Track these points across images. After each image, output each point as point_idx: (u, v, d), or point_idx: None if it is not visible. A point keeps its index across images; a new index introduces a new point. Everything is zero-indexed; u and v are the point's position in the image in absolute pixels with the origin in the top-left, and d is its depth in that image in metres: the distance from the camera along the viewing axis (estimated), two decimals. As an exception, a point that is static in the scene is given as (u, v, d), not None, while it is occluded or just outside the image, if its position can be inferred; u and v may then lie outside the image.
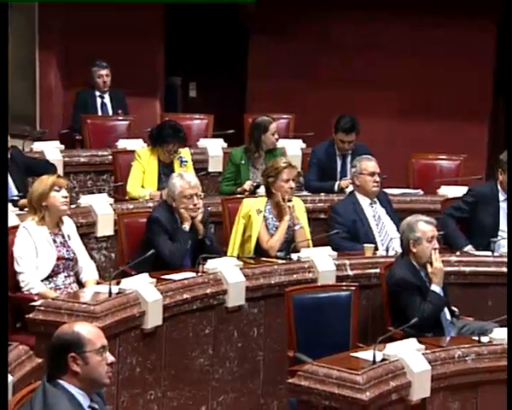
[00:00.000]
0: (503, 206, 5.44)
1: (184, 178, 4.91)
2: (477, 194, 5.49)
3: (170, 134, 5.79)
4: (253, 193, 5.82)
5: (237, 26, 7.96)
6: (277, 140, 6.10)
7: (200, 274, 4.60)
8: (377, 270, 4.88)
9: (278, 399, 4.72)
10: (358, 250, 5.16)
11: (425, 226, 4.67)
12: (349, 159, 6.06)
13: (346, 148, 6.06)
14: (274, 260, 5.01)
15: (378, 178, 5.39)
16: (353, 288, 4.56)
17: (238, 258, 4.91)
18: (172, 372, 4.37)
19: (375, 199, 5.44)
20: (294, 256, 4.98)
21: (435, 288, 4.61)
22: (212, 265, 4.66)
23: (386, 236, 5.31)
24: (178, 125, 5.92)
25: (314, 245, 5.19)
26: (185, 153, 5.98)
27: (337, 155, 6.13)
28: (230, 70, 8.11)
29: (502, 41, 7.29)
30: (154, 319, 4.23)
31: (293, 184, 5.14)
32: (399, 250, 4.86)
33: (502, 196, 5.47)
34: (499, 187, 5.47)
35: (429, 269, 4.64)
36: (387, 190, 5.70)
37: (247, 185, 5.91)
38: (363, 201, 5.45)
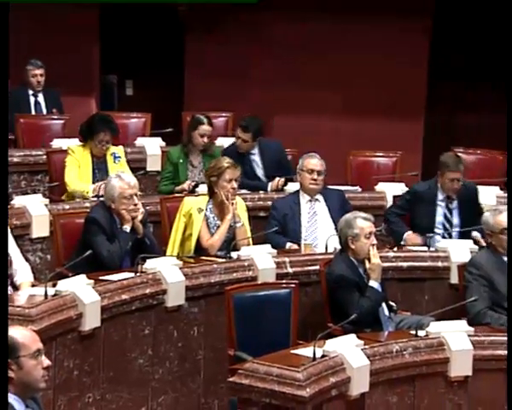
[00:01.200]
0: (441, 204, 5.56)
1: (123, 179, 4.85)
2: (415, 192, 5.62)
3: (100, 123, 5.75)
4: (192, 192, 5.80)
5: (174, 24, 7.91)
6: (205, 143, 6.05)
7: (138, 274, 4.56)
8: (317, 267, 4.91)
9: (219, 398, 4.71)
10: (280, 245, 5.19)
11: (363, 223, 4.72)
12: (256, 157, 6.10)
13: (242, 146, 6.06)
14: (214, 258, 4.99)
15: (317, 176, 5.41)
16: (293, 285, 4.58)
17: (178, 257, 4.89)
18: (111, 374, 4.32)
19: (319, 197, 5.47)
20: (234, 255, 4.98)
21: (373, 284, 4.66)
22: (152, 265, 4.62)
23: (314, 233, 5.35)
24: (109, 116, 5.87)
25: (254, 243, 5.20)
26: (119, 149, 5.93)
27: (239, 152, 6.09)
28: (168, 68, 8.06)
29: (435, 38, 7.43)
30: (91, 321, 4.18)
31: (235, 185, 5.13)
32: (338, 247, 4.90)
33: (440, 196, 5.59)
34: (439, 186, 5.58)
35: (367, 265, 4.69)
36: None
37: (186, 185, 5.89)
38: (303, 197, 5.48)
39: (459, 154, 6.61)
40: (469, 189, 5.65)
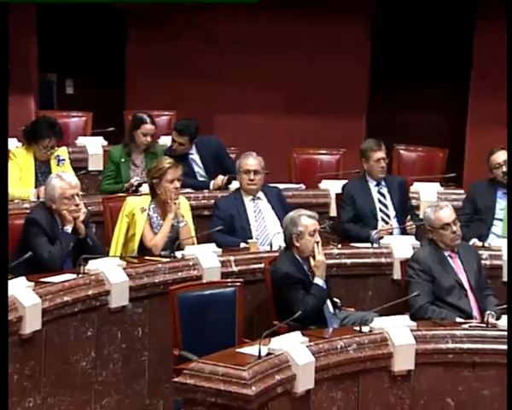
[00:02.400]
0: (375, 191, 5.67)
1: (64, 179, 4.78)
2: (349, 189, 5.70)
3: (45, 129, 5.64)
4: (135, 192, 5.74)
5: (115, 21, 7.81)
6: (148, 142, 6.02)
7: (81, 275, 4.50)
8: (261, 265, 4.92)
9: (164, 398, 4.68)
10: (233, 245, 5.18)
11: (307, 220, 4.74)
12: (195, 157, 6.09)
13: (179, 149, 6.04)
14: (158, 258, 4.95)
15: (253, 176, 5.39)
16: (238, 284, 4.58)
17: (121, 257, 4.83)
18: (53, 378, 4.25)
19: (260, 195, 5.48)
20: (179, 254, 4.95)
21: (318, 281, 4.69)
22: (94, 265, 4.56)
23: (264, 231, 5.36)
24: (53, 119, 5.76)
25: (198, 242, 5.17)
26: (62, 151, 5.82)
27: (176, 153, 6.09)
28: (109, 66, 7.96)
29: (376, 38, 7.52)
30: (32, 324, 4.10)
31: (178, 184, 5.09)
32: (283, 245, 4.91)
33: (371, 184, 5.70)
34: (367, 176, 5.67)
35: (312, 262, 4.72)
36: (270, 186, 5.74)
37: (134, 180, 5.83)
38: (246, 196, 5.48)
39: (401, 151, 6.73)
40: (397, 180, 5.79)
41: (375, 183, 5.70)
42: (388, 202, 5.67)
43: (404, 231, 5.52)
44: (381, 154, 5.64)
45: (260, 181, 5.44)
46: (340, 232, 5.67)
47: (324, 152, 6.72)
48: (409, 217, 5.58)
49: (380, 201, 5.68)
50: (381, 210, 5.65)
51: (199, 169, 6.17)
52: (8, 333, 2.63)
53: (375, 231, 5.42)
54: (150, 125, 6.02)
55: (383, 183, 5.71)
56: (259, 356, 3.88)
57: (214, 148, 6.21)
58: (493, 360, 4.33)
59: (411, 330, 4.32)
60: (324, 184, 6.18)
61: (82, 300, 4.38)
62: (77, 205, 4.74)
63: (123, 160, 5.99)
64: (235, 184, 5.84)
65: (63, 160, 5.76)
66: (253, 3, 7.06)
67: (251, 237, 5.27)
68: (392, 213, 5.63)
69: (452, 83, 7.65)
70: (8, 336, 3.98)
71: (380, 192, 5.70)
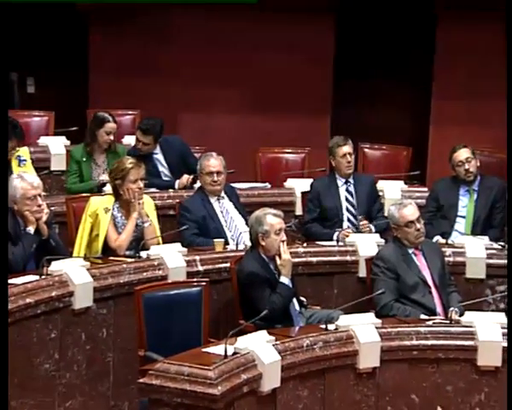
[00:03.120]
0: (343, 189, 5.69)
1: (25, 180, 4.71)
2: (317, 187, 5.71)
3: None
4: (99, 191, 5.69)
5: (77, 19, 7.73)
6: (111, 141, 5.99)
7: (44, 277, 4.44)
8: (227, 264, 4.91)
9: (129, 400, 4.64)
10: (210, 246, 5.16)
11: (273, 219, 4.74)
12: (159, 156, 6.07)
13: (143, 149, 6.01)
14: (123, 258, 4.91)
15: (216, 177, 5.36)
16: (204, 283, 4.56)
17: (85, 258, 4.78)
18: (15, 381, 4.20)
19: (223, 194, 5.46)
20: (144, 254, 4.92)
21: (284, 279, 4.69)
22: (57, 266, 4.51)
23: (236, 230, 5.35)
24: (15, 120, 5.68)
25: (164, 242, 5.14)
26: (24, 152, 5.74)
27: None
28: (71, 65, 7.87)
29: (340, 37, 7.55)
30: (-6, 327, 4.03)
31: (141, 184, 5.05)
32: (249, 244, 4.90)
33: (340, 182, 5.72)
34: (336, 173, 5.70)
35: (278, 261, 4.72)
36: (236, 185, 5.73)
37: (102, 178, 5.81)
38: (211, 197, 5.46)
39: (365, 150, 6.77)
40: (365, 178, 5.82)
41: (343, 180, 5.71)
42: (355, 200, 5.70)
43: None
44: (346, 148, 5.65)
45: (223, 181, 5.43)
46: (303, 233, 5.69)
47: (289, 151, 6.73)
48: (360, 217, 5.56)
49: (347, 199, 5.70)
50: (347, 209, 5.67)
51: (163, 169, 6.14)
52: (7, 332, 2.59)
53: (337, 232, 5.43)
54: (113, 124, 5.99)
55: (351, 180, 5.72)
56: (225, 356, 3.88)
57: (179, 147, 6.18)
58: (457, 356, 4.38)
59: (376, 328, 4.35)
60: (290, 183, 6.19)
61: (45, 301, 4.33)
62: (39, 206, 4.68)
63: (84, 159, 5.94)
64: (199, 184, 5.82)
65: (24, 160, 5.68)
66: (253, 3, 7.04)
67: (224, 237, 5.23)
68: (358, 212, 5.65)
69: (416, 82, 7.71)
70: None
71: (347, 190, 5.72)
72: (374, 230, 5.52)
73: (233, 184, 5.66)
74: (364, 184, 5.74)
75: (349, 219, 5.64)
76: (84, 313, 4.50)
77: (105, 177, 5.76)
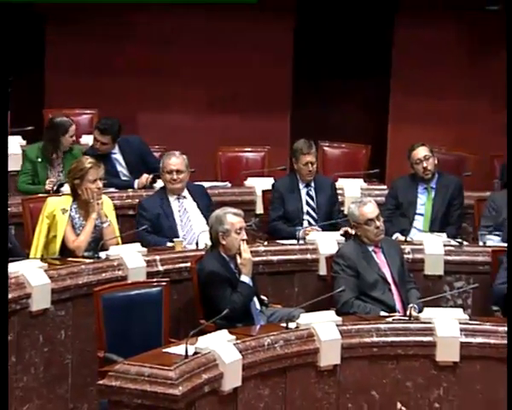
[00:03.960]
0: (304, 192, 5.71)
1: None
2: (279, 187, 5.73)
3: None
4: (56, 192, 5.62)
5: (33, 19, 7.63)
6: (74, 141, 5.99)
7: (0, 279, 4.36)
8: (188, 264, 4.89)
9: (89, 402, 4.60)
10: (162, 244, 5.14)
11: (233, 218, 4.73)
12: (118, 156, 6.03)
13: (102, 149, 5.98)
14: (81, 259, 4.86)
15: (176, 176, 5.35)
16: (164, 283, 4.54)
17: (42, 259, 4.72)
18: (-29, 385, 4.11)
19: (185, 193, 5.44)
20: (103, 255, 4.87)
21: (244, 278, 4.69)
22: (14, 268, 4.45)
23: (190, 230, 5.33)
24: None
25: (123, 242, 5.11)
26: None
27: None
28: (27, 65, 7.76)
29: (298, 34, 7.58)
30: None
31: (100, 184, 5.01)
32: (209, 243, 4.89)
33: (301, 185, 5.75)
34: (298, 177, 5.73)
35: (238, 260, 4.71)
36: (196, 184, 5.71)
37: (48, 185, 5.72)
38: (171, 196, 5.44)
39: (325, 148, 6.80)
40: (326, 181, 5.84)
41: (304, 183, 5.74)
42: (316, 204, 5.71)
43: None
44: (309, 158, 5.66)
45: (184, 180, 5.40)
46: (268, 230, 5.68)
47: (249, 150, 6.74)
48: (314, 224, 5.58)
49: (308, 203, 5.72)
50: (308, 212, 5.69)
51: (122, 169, 6.09)
52: (7, 331, 2.53)
53: (301, 229, 5.45)
54: (74, 125, 5.97)
55: (312, 184, 5.74)
56: (186, 356, 3.85)
57: (138, 147, 6.15)
58: (416, 352, 4.41)
59: (337, 325, 4.36)
60: (250, 182, 6.19)
61: (2, 304, 4.26)
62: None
63: (39, 160, 5.88)
64: (160, 183, 5.79)
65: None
66: (253, 3, 6.99)
67: (177, 236, 5.23)
68: (318, 215, 5.67)
69: (374, 80, 7.77)
70: None
71: (308, 194, 5.74)
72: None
73: (202, 183, 5.63)
74: (325, 187, 5.77)
75: (309, 223, 5.66)
76: (42, 314, 4.44)
77: (52, 180, 5.70)
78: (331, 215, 5.69)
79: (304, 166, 5.67)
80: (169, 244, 5.18)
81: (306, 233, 5.40)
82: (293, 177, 5.76)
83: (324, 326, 4.33)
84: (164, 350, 4.00)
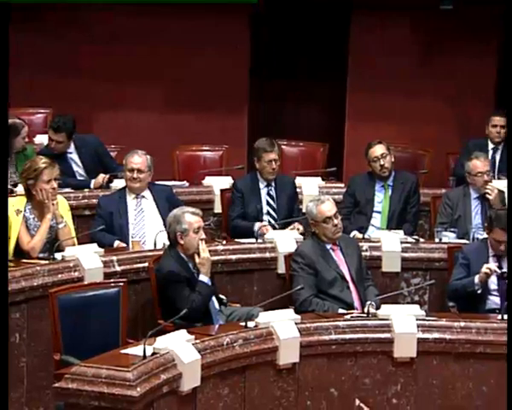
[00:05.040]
0: (264, 192, 5.70)
1: None
2: (240, 187, 5.71)
3: None
4: (10, 192, 5.52)
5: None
6: (27, 142, 5.94)
7: (-48, 281, 4.26)
8: (146, 264, 4.85)
9: (44, 405, 4.54)
10: (110, 242, 5.11)
11: (191, 218, 4.71)
12: (74, 155, 5.98)
13: (57, 148, 5.91)
14: (36, 261, 4.78)
15: (137, 174, 5.31)
16: (121, 284, 4.49)
17: (-4, 261, 4.62)
18: None
19: (146, 194, 5.39)
20: (59, 256, 4.81)
21: (203, 278, 4.67)
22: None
23: (141, 230, 5.29)
24: None
25: (79, 243, 5.05)
26: None
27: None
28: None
29: (255, 32, 7.58)
30: None
31: (55, 184, 4.94)
32: (167, 243, 4.86)
33: (262, 184, 5.74)
34: (259, 176, 5.72)
35: (197, 260, 4.69)
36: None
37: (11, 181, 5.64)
38: (129, 195, 5.40)
39: (283, 147, 6.81)
40: (287, 180, 5.83)
41: (265, 183, 5.73)
42: (276, 204, 5.71)
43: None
44: (273, 155, 5.66)
45: (144, 180, 5.36)
46: (228, 230, 5.67)
47: (207, 148, 6.72)
48: (293, 225, 5.58)
49: (268, 203, 5.71)
50: (268, 212, 5.68)
51: (78, 168, 6.02)
52: (8, 330, 2.46)
53: (258, 225, 5.44)
54: (26, 126, 5.89)
55: (273, 184, 5.74)
56: (144, 356, 3.82)
57: (94, 146, 6.08)
58: (374, 349, 4.45)
59: (296, 324, 4.37)
60: (208, 181, 6.17)
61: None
62: None
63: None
64: (116, 183, 5.72)
65: None
66: (253, 3, 6.93)
67: (127, 235, 5.18)
68: (279, 215, 5.66)
69: (331, 79, 7.81)
70: None
71: (269, 194, 5.73)
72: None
73: (166, 183, 5.61)
74: (286, 186, 5.76)
75: (269, 222, 5.66)
76: (-4, 317, 4.35)
77: (14, 178, 5.62)
78: (292, 213, 5.70)
79: (267, 164, 5.65)
80: (116, 244, 5.13)
81: (263, 230, 5.40)
82: (254, 176, 5.75)
83: (283, 325, 4.33)
84: (121, 351, 3.96)
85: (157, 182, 5.58)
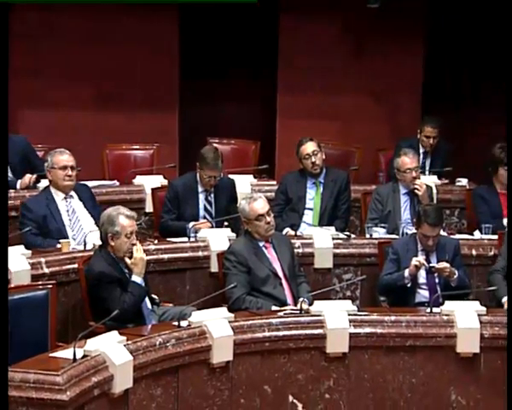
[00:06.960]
0: (202, 197, 5.64)
1: None
2: (176, 188, 5.64)
3: None
4: None
5: None
6: None
7: None
8: (75, 265, 4.77)
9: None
10: (52, 246, 5.00)
11: (125, 221, 4.63)
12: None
13: None
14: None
15: (71, 172, 5.25)
16: (50, 286, 4.40)
17: None
18: None
19: (72, 193, 5.30)
20: (-16, 258, 4.66)
21: (136, 278, 4.61)
22: None
23: (80, 229, 5.20)
24: None
25: (6, 245, 4.90)
26: None
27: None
28: None
29: (185, 30, 7.54)
30: None
31: None
32: (98, 243, 4.77)
33: (200, 188, 5.66)
34: (198, 179, 5.65)
35: (128, 261, 4.62)
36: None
37: None
38: (57, 195, 5.28)
39: (214, 144, 6.79)
40: (226, 182, 5.79)
41: (202, 188, 5.65)
42: (214, 209, 5.65)
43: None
44: (214, 173, 5.53)
45: (75, 178, 5.28)
46: (159, 231, 5.60)
47: (137, 147, 6.64)
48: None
49: (205, 208, 5.64)
50: (204, 217, 5.62)
51: None
52: (8, 330, 2.36)
53: (191, 224, 5.40)
54: None
55: (212, 189, 5.65)
56: (74, 359, 3.76)
57: (22, 147, 5.95)
58: (307, 345, 4.48)
59: (229, 322, 4.36)
60: (139, 180, 6.10)
61: None
62: None
63: None
64: (44, 183, 5.60)
65: None
66: (253, 3, 6.79)
67: (67, 237, 5.09)
68: (215, 219, 5.61)
69: (262, 77, 7.83)
70: None
71: (207, 200, 5.66)
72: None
73: (86, 183, 5.50)
74: (226, 187, 5.68)
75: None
76: None
77: None
78: (230, 213, 5.64)
79: (206, 178, 5.56)
80: (59, 246, 5.03)
81: (196, 229, 5.36)
82: (193, 178, 5.65)
83: (216, 323, 4.32)
84: (51, 355, 3.88)
85: (83, 181, 5.49)
